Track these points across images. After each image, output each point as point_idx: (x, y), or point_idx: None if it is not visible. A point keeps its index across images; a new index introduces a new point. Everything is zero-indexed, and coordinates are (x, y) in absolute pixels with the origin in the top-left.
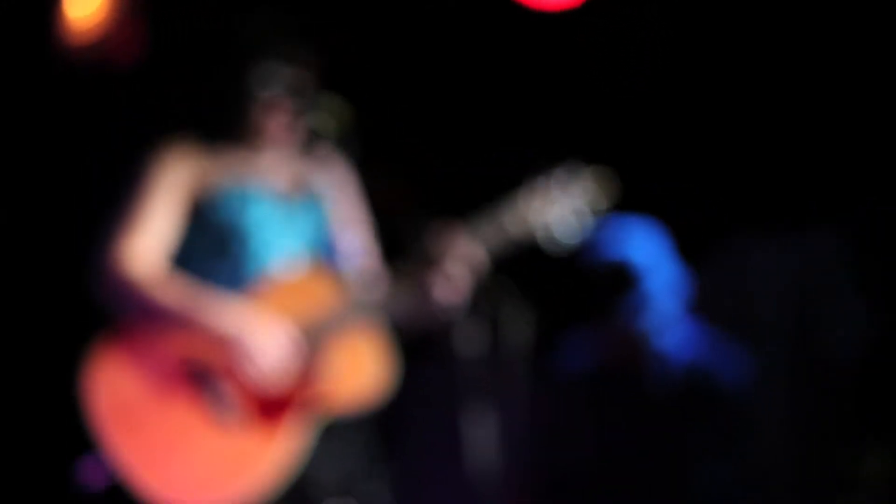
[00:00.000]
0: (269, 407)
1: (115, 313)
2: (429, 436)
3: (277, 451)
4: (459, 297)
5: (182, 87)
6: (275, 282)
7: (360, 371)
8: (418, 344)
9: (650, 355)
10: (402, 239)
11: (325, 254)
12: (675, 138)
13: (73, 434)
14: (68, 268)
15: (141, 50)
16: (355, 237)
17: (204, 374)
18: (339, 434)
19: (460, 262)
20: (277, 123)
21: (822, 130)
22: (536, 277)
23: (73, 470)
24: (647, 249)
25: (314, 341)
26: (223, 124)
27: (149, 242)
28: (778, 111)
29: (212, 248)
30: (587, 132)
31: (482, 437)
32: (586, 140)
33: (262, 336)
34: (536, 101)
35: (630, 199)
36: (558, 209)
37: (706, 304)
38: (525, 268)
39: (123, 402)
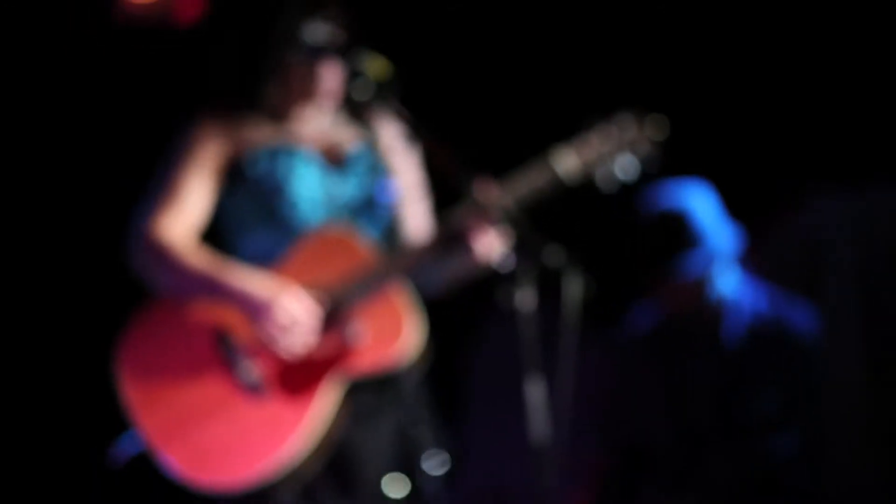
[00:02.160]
0: (298, 373)
1: (150, 283)
2: (491, 403)
3: (308, 418)
4: (501, 251)
5: (222, 51)
6: (310, 240)
7: (390, 334)
8: (478, 310)
9: (714, 307)
10: (447, 194)
11: (364, 213)
12: (739, 97)
13: (105, 408)
14: (107, 243)
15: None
16: (407, 199)
17: (233, 344)
18: (387, 412)
19: (500, 215)
20: (318, 83)
21: (887, 86)
22: (594, 239)
23: (106, 444)
24: (704, 209)
25: (343, 304)
26: (261, 88)
27: (183, 216)
28: (836, 69)
29: (252, 206)
30: (646, 91)
31: (546, 401)
32: (645, 98)
33: (291, 300)
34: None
35: (692, 160)
36: (610, 155)
37: (774, 263)
38: (584, 229)
39: (153, 376)
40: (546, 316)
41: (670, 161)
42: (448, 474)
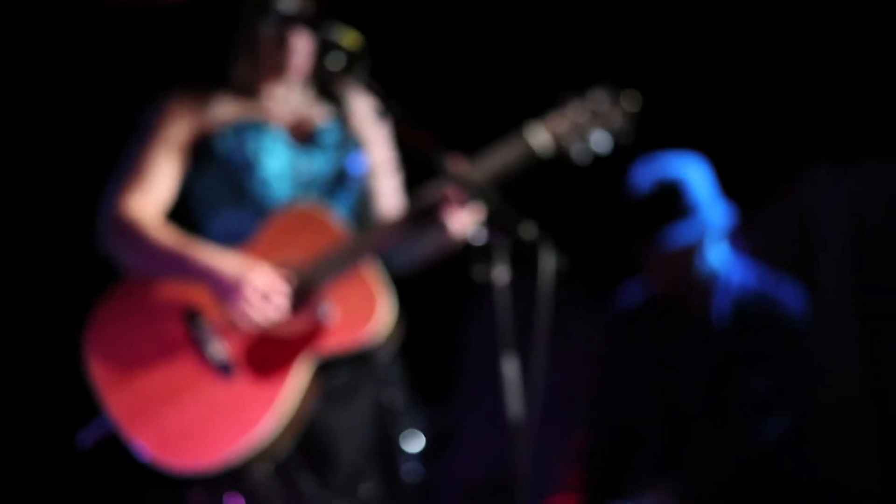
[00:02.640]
0: (269, 352)
1: (118, 261)
2: (481, 382)
3: (278, 397)
4: (474, 226)
5: (191, 26)
6: (280, 217)
7: (362, 312)
8: (470, 288)
9: (704, 282)
10: (419, 169)
11: (335, 189)
12: (733, 73)
13: (74, 391)
14: (75, 223)
15: None
16: (378, 174)
17: (202, 323)
18: (361, 391)
19: (473, 191)
20: (288, 54)
21: (879, 60)
22: (582, 211)
23: (75, 428)
24: (698, 180)
25: (314, 282)
26: (229, 62)
27: (150, 195)
28: (829, 44)
29: (221, 184)
30: (639, 67)
31: (524, 378)
32: (637, 74)
33: (260, 276)
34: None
35: (687, 135)
36: (585, 128)
37: (767, 239)
38: (568, 203)
39: (120, 357)
40: (530, 292)
41: (664, 136)
42: (436, 456)
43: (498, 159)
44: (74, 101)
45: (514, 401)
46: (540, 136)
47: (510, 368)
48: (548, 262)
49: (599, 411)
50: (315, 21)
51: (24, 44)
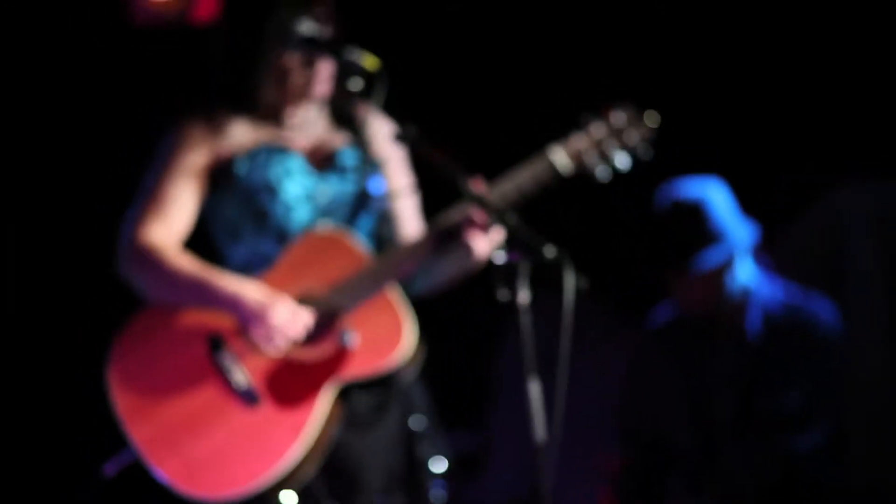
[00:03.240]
0: (293, 379)
1: (140, 289)
2: (513, 404)
3: (303, 424)
4: (496, 248)
5: (212, 50)
6: (302, 243)
7: (385, 336)
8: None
9: (734, 301)
10: (439, 192)
11: (356, 214)
12: (762, 91)
13: (99, 421)
14: (97, 252)
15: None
16: (398, 197)
17: (226, 351)
18: (387, 416)
19: (495, 213)
20: (310, 78)
21: None
22: (608, 235)
23: (101, 459)
24: (720, 202)
25: (337, 308)
26: (251, 86)
27: (169, 223)
28: (857, 61)
29: (243, 211)
30: (665, 88)
31: (554, 399)
32: (664, 95)
33: (284, 302)
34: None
35: (715, 152)
36: (606, 148)
37: (796, 255)
38: (595, 226)
39: (143, 386)
40: (558, 313)
41: (693, 155)
42: (464, 480)
43: (520, 180)
44: (96, 124)
45: (539, 423)
46: (561, 157)
47: (534, 390)
48: (570, 283)
49: (630, 432)
50: (335, 45)
51: (48, 64)
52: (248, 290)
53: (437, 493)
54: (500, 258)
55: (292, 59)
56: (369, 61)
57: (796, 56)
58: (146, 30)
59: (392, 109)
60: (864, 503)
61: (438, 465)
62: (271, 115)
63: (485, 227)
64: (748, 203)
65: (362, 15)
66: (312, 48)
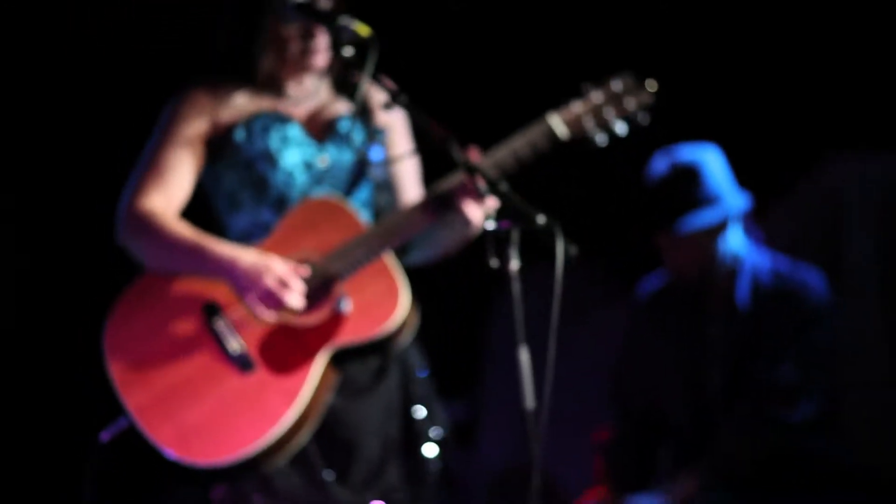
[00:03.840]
0: (287, 345)
1: (137, 254)
2: (506, 373)
3: (298, 389)
4: (491, 216)
5: (213, 19)
6: (300, 210)
7: (379, 302)
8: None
9: (725, 268)
10: (435, 160)
11: (356, 182)
12: (762, 62)
13: (96, 389)
14: (96, 222)
15: None
16: (397, 165)
17: (221, 317)
18: (384, 383)
19: (490, 181)
20: (307, 46)
21: None
22: (602, 205)
23: (97, 425)
24: (715, 167)
25: (333, 274)
26: (249, 55)
27: (167, 191)
28: (857, 33)
29: (244, 179)
30: (670, 57)
31: (544, 367)
32: (668, 64)
33: (279, 265)
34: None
35: (715, 122)
36: (605, 115)
37: (795, 225)
38: (591, 196)
39: (139, 353)
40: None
41: (689, 126)
42: (460, 446)
43: (517, 146)
44: (97, 96)
45: (529, 391)
46: (559, 123)
47: (525, 358)
48: (561, 251)
49: (623, 402)
50: (331, 14)
51: (49, 36)
52: (243, 254)
53: (432, 460)
54: (492, 226)
55: (289, 29)
56: (362, 29)
57: (793, 27)
58: (145, 3)
59: (388, 77)
60: (855, 475)
61: (436, 432)
62: (271, 84)
63: (477, 196)
64: (743, 173)
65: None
66: (305, 17)
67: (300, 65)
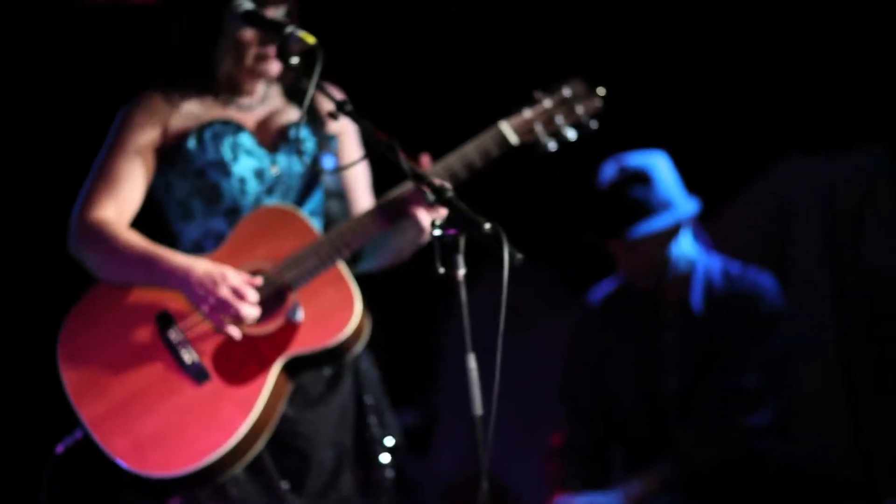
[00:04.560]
0: (241, 354)
1: (89, 264)
2: (452, 380)
3: (252, 398)
4: (440, 223)
5: (160, 27)
6: (252, 220)
7: (332, 310)
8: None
9: (677, 274)
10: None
11: (307, 190)
12: (708, 68)
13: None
14: (49, 232)
15: None
16: (347, 172)
17: (175, 327)
18: (337, 391)
19: (440, 188)
20: (251, 59)
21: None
22: (554, 205)
23: (53, 437)
24: (665, 174)
25: (286, 283)
26: (200, 64)
27: (118, 201)
28: (804, 33)
29: (196, 188)
30: (621, 63)
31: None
32: (610, 72)
33: (233, 274)
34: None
35: (659, 131)
36: (555, 121)
37: (743, 231)
38: (539, 197)
39: (93, 364)
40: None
41: (637, 131)
42: (415, 452)
43: (468, 153)
44: (49, 104)
45: (477, 398)
46: (509, 129)
47: (472, 365)
48: (506, 258)
49: (572, 406)
50: (278, 23)
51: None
52: (197, 264)
53: (387, 467)
54: (439, 233)
55: (248, 35)
56: (309, 38)
57: (737, 33)
58: (101, 7)
59: (336, 86)
60: (809, 477)
61: (391, 439)
62: (222, 91)
63: (425, 204)
64: (690, 179)
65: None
66: (253, 25)
67: (256, 70)
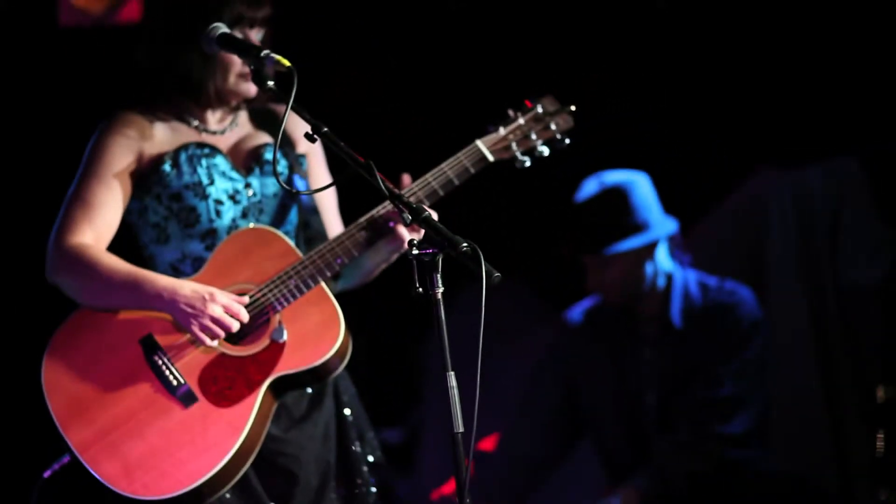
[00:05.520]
0: (226, 374)
1: (70, 290)
2: (435, 397)
3: (238, 419)
4: (417, 241)
5: (134, 48)
6: (231, 243)
7: (315, 330)
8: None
9: (654, 289)
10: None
11: (282, 212)
12: (684, 81)
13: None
14: (27, 259)
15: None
16: (320, 194)
17: (160, 350)
18: (322, 410)
19: (416, 207)
20: (226, 81)
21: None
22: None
23: (40, 463)
24: (642, 191)
25: (268, 304)
26: (174, 86)
27: (95, 225)
28: (776, 47)
29: (172, 212)
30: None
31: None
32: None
33: (219, 295)
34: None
35: (637, 141)
36: (530, 137)
37: (718, 247)
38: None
39: (78, 389)
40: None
41: (620, 144)
42: (398, 469)
43: (445, 171)
44: (25, 126)
45: (457, 415)
46: (484, 147)
47: (452, 383)
48: (483, 276)
49: (558, 425)
50: (253, 46)
51: None
52: (183, 284)
53: (371, 483)
54: (416, 252)
55: (211, 61)
56: (284, 62)
57: (712, 48)
58: (72, 29)
59: (312, 109)
60: (787, 486)
61: (374, 456)
62: (196, 115)
63: (401, 223)
64: (663, 194)
65: (298, 18)
66: (229, 48)
67: (224, 96)
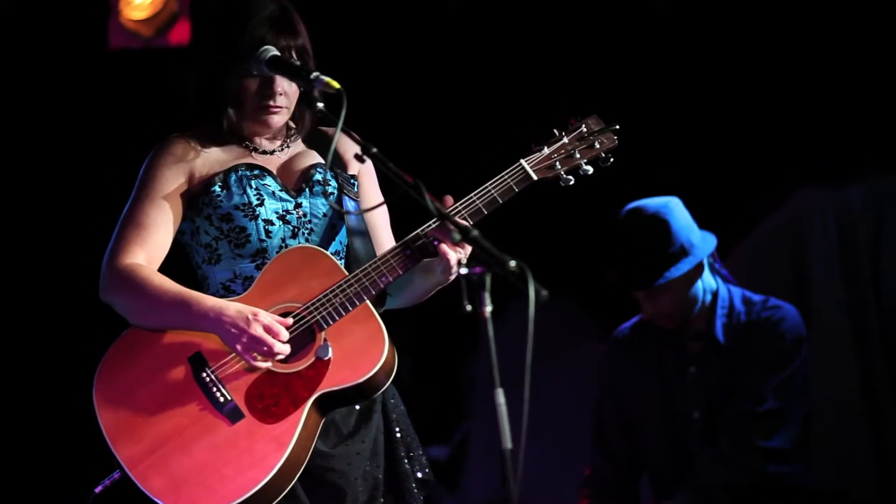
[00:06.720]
0: (274, 393)
1: (122, 309)
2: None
3: (285, 437)
4: (466, 261)
5: (189, 72)
6: (279, 263)
7: (361, 348)
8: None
9: (700, 310)
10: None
11: (331, 232)
12: (722, 100)
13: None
14: (81, 279)
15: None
16: (370, 214)
17: (208, 369)
18: (369, 426)
19: (464, 227)
20: (259, 105)
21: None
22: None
23: (89, 480)
24: (681, 216)
25: (315, 322)
26: (222, 109)
27: (147, 247)
28: (815, 64)
29: (221, 230)
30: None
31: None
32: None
33: (265, 315)
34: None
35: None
36: (574, 157)
37: (760, 264)
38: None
39: (128, 406)
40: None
41: (652, 165)
42: (446, 484)
43: (490, 191)
44: (75, 148)
45: (506, 432)
46: (529, 166)
47: (500, 400)
48: (532, 295)
49: (605, 447)
50: (303, 68)
51: (26, 86)
52: (229, 304)
53: (420, 499)
54: (465, 271)
55: (249, 83)
56: (333, 83)
57: (748, 65)
58: (122, 51)
59: (361, 130)
60: (827, 501)
61: (422, 472)
62: (246, 136)
63: (450, 242)
64: (706, 212)
65: (331, 36)
66: (278, 71)
67: (257, 120)
